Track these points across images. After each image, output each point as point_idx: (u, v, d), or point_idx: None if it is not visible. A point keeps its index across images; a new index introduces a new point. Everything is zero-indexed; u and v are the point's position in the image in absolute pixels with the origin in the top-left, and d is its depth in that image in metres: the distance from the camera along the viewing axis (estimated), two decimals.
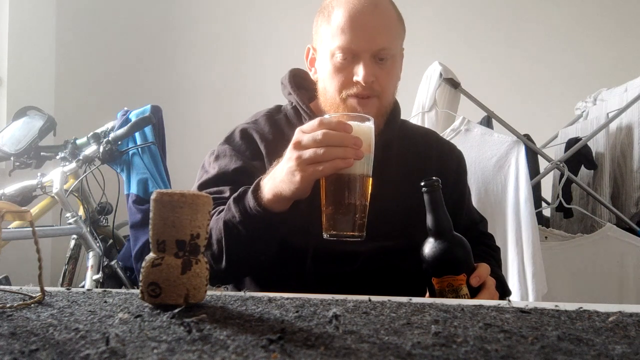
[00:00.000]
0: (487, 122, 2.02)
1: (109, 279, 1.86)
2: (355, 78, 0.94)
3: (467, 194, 1.17)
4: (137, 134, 1.96)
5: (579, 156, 1.94)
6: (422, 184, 0.86)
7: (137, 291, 0.62)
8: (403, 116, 1.13)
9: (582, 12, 3.02)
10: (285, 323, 0.50)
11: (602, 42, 2.96)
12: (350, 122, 0.77)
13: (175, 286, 0.56)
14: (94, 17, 3.31)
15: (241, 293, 0.68)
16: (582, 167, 2.03)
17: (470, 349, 0.41)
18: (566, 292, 1.69)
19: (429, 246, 0.86)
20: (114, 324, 0.49)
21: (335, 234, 0.78)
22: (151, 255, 0.58)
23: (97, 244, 1.85)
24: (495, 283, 0.90)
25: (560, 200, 1.90)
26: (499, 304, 0.61)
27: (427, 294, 0.90)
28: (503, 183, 1.62)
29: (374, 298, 0.64)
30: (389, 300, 0.63)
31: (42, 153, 1.90)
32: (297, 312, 0.55)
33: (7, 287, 0.73)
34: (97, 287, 1.52)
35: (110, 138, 1.84)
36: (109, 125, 1.97)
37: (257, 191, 0.84)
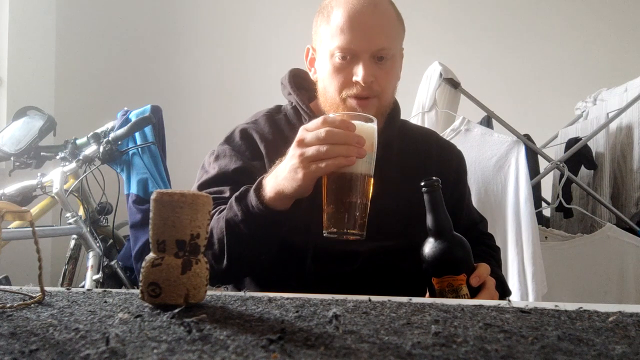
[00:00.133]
0: (487, 122, 2.02)
1: (109, 279, 1.86)
2: (354, 78, 0.94)
3: (467, 194, 1.17)
4: (137, 134, 1.96)
5: (579, 156, 1.94)
6: (422, 183, 0.86)
7: (137, 291, 0.62)
8: (403, 116, 1.12)
9: (582, 12, 3.02)
10: (285, 323, 0.50)
11: (602, 42, 2.96)
12: (354, 122, 0.78)
13: (175, 286, 0.56)
14: (94, 17, 3.31)
15: (241, 293, 0.68)
16: (582, 167, 2.03)
17: (470, 349, 0.41)
18: (566, 292, 1.69)
19: (429, 246, 0.86)
20: (114, 324, 0.49)
21: (335, 231, 0.78)
22: (151, 255, 0.58)
23: (97, 244, 1.85)
24: (495, 283, 0.90)
25: (560, 200, 1.90)
26: (499, 304, 0.61)
27: (427, 294, 0.90)
28: (503, 183, 1.62)
29: (374, 298, 0.64)
30: (389, 300, 0.63)
31: (42, 153, 1.90)
32: (297, 312, 0.55)
33: (7, 287, 0.73)
34: (97, 287, 1.52)
35: (110, 138, 1.84)
36: (109, 125, 1.97)
37: (259, 189, 0.84)
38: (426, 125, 1.72)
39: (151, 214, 0.58)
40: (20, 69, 2.94)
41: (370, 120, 0.80)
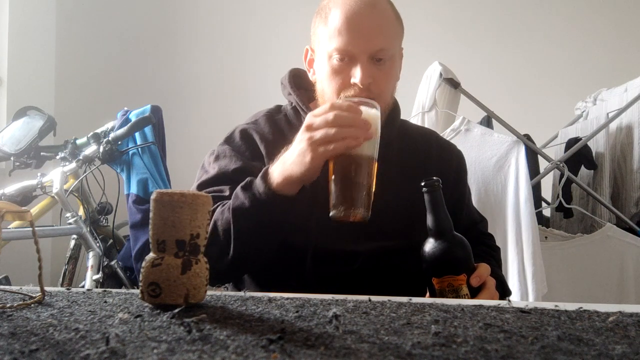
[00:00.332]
0: (487, 122, 2.02)
1: (109, 279, 1.86)
2: (352, 80, 0.94)
3: (467, 194, 1.17)
4: (137, 134, 1.96)
5: (579, 156, 1.94)
6: (423, 183, 0.86)
7: (137, 291, 0.62)
8: (403, 116, 1.12)
9: (582, 12, 3.02)
10: (285, 323, 0.50)
11: (602, 42, 2.96)
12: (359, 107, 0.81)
13: (175, 286, 0.56)
14: (94, 17, 3.31)
15: (241, 293, 0.68)
16: (582, 167, 2.03)
17: (470, 349, 0.41)
18: (566, 292, 1.69)
19: (429, 246, 0.86)
20: (114, 324, 0.49)
21: (343, 210, 0.80)
22: (151, 255, 0.58)
23: (97, 244, 1.85)
24: (496, 283, 0.90)
25: (560, 200, 1.90)
26: (499, 304, 0.61)
27: (427, 294, 0.90)
28: (503, 183, 1.62)
29: (374, 298, 0.64)
30: (389, 300, 0.63)
31: (42, 153, 1.90)
32: (297, 312, 0.55)
33: (7, 287, 0.73)
34: (97, 287, 1.52)
35: (110, 138, 1.84)
36: (109, 125, 1.97)
37: (265, 177, 0.85)
38: (426, 125, 1.72)
39: (151, 214, 0.58)
40: (20, 69, 2.94)
41: (374, 107, 0.83)
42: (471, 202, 1.20)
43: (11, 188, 1.78)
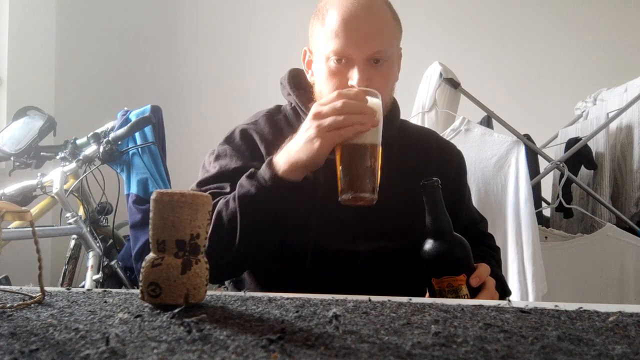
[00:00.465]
0: (487, 122, 2.02)
1: (109, 279, 1.86)
2: (350, 82, 0.94)
3: (467, 194, 1.17)
4: (137, 134, 1.96)
5: (579, 156, 1.94)
6: (422, 184, 0.86)
7: (137, 291, 0.62)
8: (403, 116, 1.12)
9: (582, 12, 3.02)
10: (285, 323, 0.50)
11: (602, 42, 2.96)
12: None
13: (175, 286, 0.56)
14: (94, 17, 3.31)
15: (241, 293, 0.68)
16: (582, 167, 2.03)
17: (470, 349, 0.41)
18: (566, 292, 1.69)
19: (429, 246, 0.86)
20: (114, 324, 0.49)
21: (351, 194, 0.82)
22: (151, 255, 0.58)
23: (97, 244, 1.85)
24: (495, 283, 0.90)
25: (560, 200, 1.90)
26: (499, 304, 0.61)
27: (427, 294, 0.90)
28: (503, 183, 1.62)
29: (374, 298, 0.64)
30: (389, 300, 0.63)
31: (42, 153, 1.90)
32: (297, 312, 0.55)
33: (7, 287, 0.73)
34: (97, 287, 1.52)
35: (110, 138, 1.84)
36: (109, 125, 1.97)
37: (270, 165, 0.87)
38: (426, 125, 1.72)
39: (151, 214, 0.58)
40: (20, 69, 2.94)
41: (376, 96, 0.85)
42: (471, 202, 1.19)
43: (11, 188, 1.78)
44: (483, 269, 0.88)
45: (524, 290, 1.53)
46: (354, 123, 0.80)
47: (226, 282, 1.10)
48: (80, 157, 1.84)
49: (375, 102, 0.85)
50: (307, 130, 0.83)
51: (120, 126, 1.90)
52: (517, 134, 1.71)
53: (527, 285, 1.53)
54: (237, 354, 0.39)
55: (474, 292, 0.86)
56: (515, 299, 1.46)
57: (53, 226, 1.90)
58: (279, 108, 1.12)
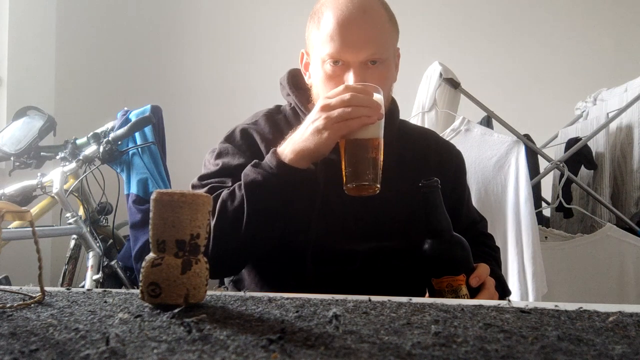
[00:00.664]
0: (487, 122, 2.02)
1: (109, 279, 1.86)
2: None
3: (466, 194, 1.17)
4: (137, 134, 1.96)
5: (579, 156, 1.94)
6: (421, 184, 0.86)
7: (137, 291, 0.62)
8: (403, 116, 1.12)
9: (582, 12, 3.02)
10: (285, 323, 0.50)
11: (602, 42, 2.96)
12: None
13: (175, 286, 0.56)
14: (94, 16, 3.31)
15: (241, 293, 0.68)
16: (582, 167, 2.03)
17: (470, 349, 0.41)
18: (566, 292, 1.69)
19: (428, 246, 0.86)
20: (114, 324, 0.49)
21: (356, 182, 0.85)
22: (151, 255, 0.58)
23: (97, 244, 1.85)
24: (495, 283, 0.90)
25: (560, 200, 1.90)
26: (499, 304, 0.61)
27: (427, 294, 0.90)
28: (503, 183, 1.62)
29: (374, 298, 0.64)
30: (389, 300, 0.63)
31: (42, 153, 1.90)
32: (297, 312, 0.55)
33: (7, 287, 0.73)
34: (97, 287, 1.52)
35: (110, 138, 1.84)
36: (109, 125, 1.97)
37: (275, 154, 0.89)
38: (426, 125, 1.72)
39: (151, 214, 0.58)
40: (20, 69, 2.94)
41: (379, 91, 0.88)
42: (470, 202, 1.19)
43: (11, 188, 1.78)
44: (483, 269, 0.88)
45: (524, 290, 1.53)
46: (361, 115, 0.83)
47: (226, 282, 1.10)
48: (80, 157, 1.84)
49: (377, 97, 0.87)
50: (314, 121, 0.85)
51: (120, 126, 1.90)
52: (517, 134, 1.71)
53: (527, 285, 1.53)
54: (237, 354, 0.39)
55: (473, 292, 0.86)
56: (515, 299, 1.46)
57: (53, 226, 1.90)
58: (278, 108, 1.12)
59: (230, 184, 0.94)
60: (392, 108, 1.06)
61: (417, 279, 0.90)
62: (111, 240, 2.04)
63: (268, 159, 0.89)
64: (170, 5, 3.32)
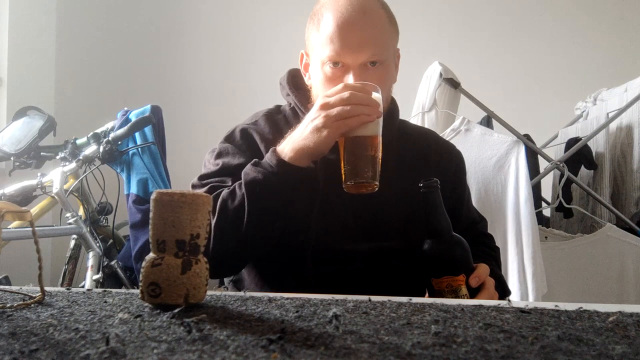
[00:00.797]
0: (487, 122, 2.02)
1: (109, 279, 1.86)
2: None
3: (466, 194, 1.17)
4: (137, 134, 1.96)
5: (579, 156, 1.94)
6: (421, 184, 0.86)
7: (137, 291, 0.62)
8: (403, 116, 1.12)
9: (582, 12, 3.02)
10: (285, 323, 0.50)
11: (602, 42, 2.96)
12: None
13: (175, 286, 0.56)
14: (94, 17, 3.31)
15: (241, 293, 0.68)
16: (582, 167, 2.03)
17: (470, 349, 0.41)
18: (566, 292, 1.69)
19: (428, 246, 0.86)
20: (114, 324, 0.49)
21: (355, 180, 0.85)
22: (151, 255, 0.58)
23: (97, 244, 1.85)
24: (495, 283, 0.90)
25: (560, 200, 1.90)
26: (499, 304, 0.61)
27: (427, 294, 0.90)
28: (503, 183, 1.62)
29: (374, 298, 0.64)
30: (389, 300, 0.63)
31: (42, 153, 1.90)
32: (297, 312, 0.55)
33: (7, 287, 0.73)
34: (97, 287, 1.52)
35: (110, 138, 1.84)
36: (109, 125, 1.97)
37: (275, 152, 0.89)
38: (426, 125, 1.72)
39: (151, 214, 0.58)
40: (20, 69, 2.94)
41: (377, 91, 0.89)
42: (470, 202, 1.19)
43: (11, 188, 1.78)
44: (482, 269, 0.88)
45: (524, 290, 1.53)
46: (360, 113, 0.84)
47: (226, 282, 1.10)
48: (80, 157, 1.84)
49: (376, 96, 0.88)
50: (314, 119, 0.86)
51: (120, 126, 1.90)
52: (517, 134, 1.71)
53: (527, 285, 1.53)
54: (237, 354, 0.39)
55: (473, 292, 0.86)
56: (515, 299, 1.46)
57: (53, 226, 1.90)
58: (278, 108, 1.12)
59: (230, 184, 0.94)
60: (392, 108, 1.06)
61: (417, 279, 0.90)
62: (111, 240, 2.04)
63: (268, 158, 0.89)
64: (170, 6, 3.32)
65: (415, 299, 0.64)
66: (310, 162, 0.89)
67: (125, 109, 2.05)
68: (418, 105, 1.81)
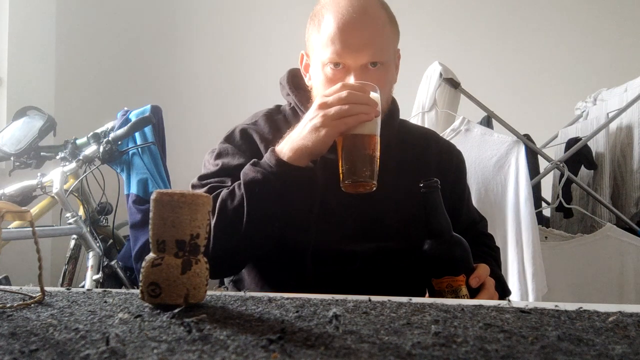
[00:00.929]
0: (487, 122, 2.02)
1: (109, 279, 1.86)
2: None
3: (466, 194, 1.17)
4: (137, 134, 1.96)
5: (579, 156, 1.94)
6: (421, 184, 0.86)
7: (137, 291, 0.62)
8: (403, 116, 1.12)
9: (582, 12, 3.02)
10: (285, 323, 0.50)
11: (602, 42, 2.96)
12: None
13: (175, 286, 0.56)
14: (94, 16, 3.31)
15: (241, 293, 0.68)
16: (582, 167, 2.03)
17: (470, 349, 0.41)
18: (566, 292, 1.69)
19: (428, 247, 0.86)
20: (114, 324, 0.49)
21: (353, 179, 0.85)
22: (151, 255, 0.58)
23: (97, 244, 1.85)
24: (495, 283, 0.90)
25: (560, 200, 1.90)
26: (499, 304, 0.61)
27: (427, 294, 0.90)
28: (503, 183, 1.62)
29: (374, 298, 0.64)
30: (389, 300, 0.63)
31: (42, 153, 1.90)
32: (297, 312, 0.55)
33: (7, 287, 0.73)
34: (97, 287, 1.52)
35: (110, 138, 1.84)
36: (109, 125, 1.97)
37: (274, 152, 0.89)
38: (426, 125, 1.72)
39: (151, 214, 0.58)
40: (20, 69, 2.94)
41: (376, 90, 0.89)
42: (471, 202, 1.19)
43: (11, 188, 1.78)
44: (482, 270, 0.88)
45: (524, 290, 1.53)
46: (359, 113, 0.84)
47: (226, 282, 1.10)
48: (80, 157, 1.84)
49: (374, 95, 0.88)
50: (312, 119, 0.86)
51: (120, 126, 1.90)
52: (517, 134, 1.71)
53: (527, 285, 1.53)
54: (237, 354, 0.39)
55: (473, 293, 0.86)
56: (515, 299, 1.46)
57: (53, 226, 1.90)
58: (278, 108, 1.12)
59: (229, 184, 0.94)
60: (392, 108, 1.06)
61: (417, 279, 0.90)
62: (111, 240, 2.04)
63: (267, 158, 0.89)
64: (170, 6, 3.32)
65: (415, 299, 0.64)
66: (309, 162, 0.89)
67: (125, 109, 2.05)
68: (418, 105, 1.81)
